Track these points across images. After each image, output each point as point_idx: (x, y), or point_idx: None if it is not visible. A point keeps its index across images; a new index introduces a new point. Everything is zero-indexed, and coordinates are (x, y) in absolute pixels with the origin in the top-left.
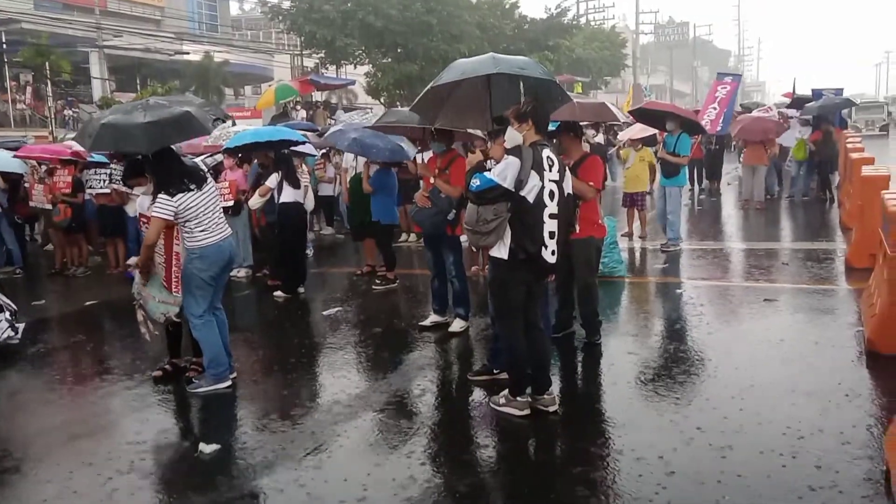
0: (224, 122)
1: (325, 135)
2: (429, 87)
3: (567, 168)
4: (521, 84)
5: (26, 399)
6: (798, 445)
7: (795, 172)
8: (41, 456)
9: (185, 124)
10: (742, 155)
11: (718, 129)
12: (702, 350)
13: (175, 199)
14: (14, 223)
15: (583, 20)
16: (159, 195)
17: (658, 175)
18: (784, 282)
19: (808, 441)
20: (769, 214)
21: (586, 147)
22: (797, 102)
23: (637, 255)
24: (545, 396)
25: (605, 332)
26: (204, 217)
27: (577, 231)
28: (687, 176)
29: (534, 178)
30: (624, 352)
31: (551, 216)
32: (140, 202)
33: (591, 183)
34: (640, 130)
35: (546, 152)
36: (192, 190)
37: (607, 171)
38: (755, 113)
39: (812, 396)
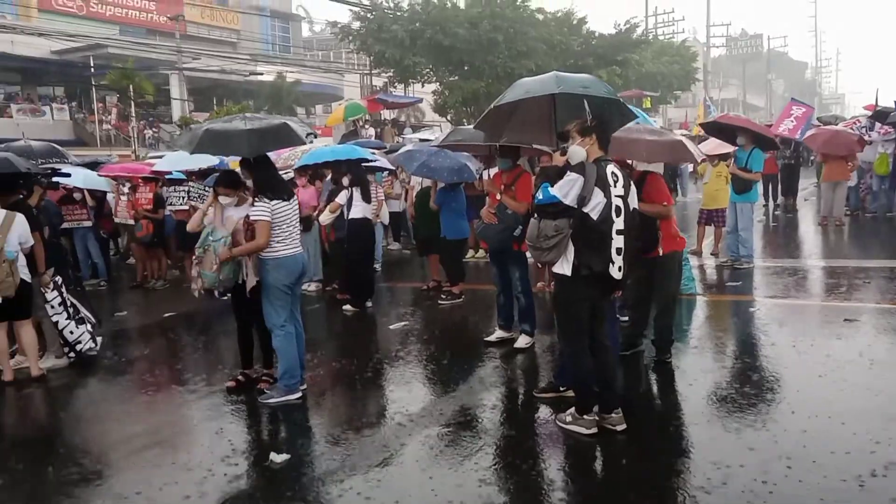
0: (316, 137)
1: (394, 155)
2: (492, 106)
3: (631, 183)
4: (586, 102)
5: (106, 407)
6: (881, 471)
7: (877, 187)
8: (119, 462)
9: (285, 134)
10: (822, 171)
11: (797, 136)
12: (777, 370)
13: (272, 203)
14: (99, 237)
15: (652, 35)
16: (257, 200)
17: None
18: (866, 301)
19: (892, 466)
20: (850, 231)
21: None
22: (880, 115)
23: (708, 272)
24: (613, 415)
25: (675, 350)
26: (287, 228)
27: (661, 252)
28: (760, 192)
29: (598, 195)
30: (695, 371)
31: (618, 232)
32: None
33: (665, 203)
34: (718, 146)
35: (610, 168)
36: (285, 200)
37: (678, 185)
38: (839, 126)
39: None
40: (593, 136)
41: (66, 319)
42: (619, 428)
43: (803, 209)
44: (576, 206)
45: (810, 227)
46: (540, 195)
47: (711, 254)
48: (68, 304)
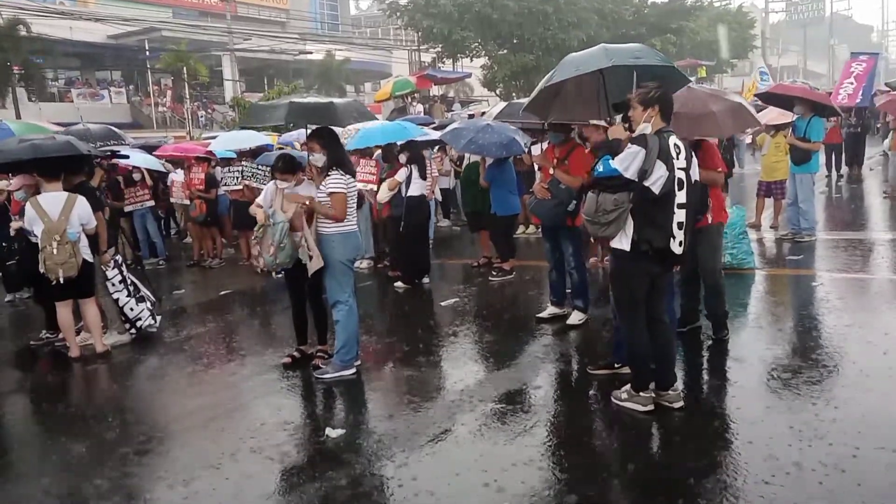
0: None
1: (443, 132)
2: (541, 86)
3: (692, 154)
4: (635, 74)
5: (166, 382)
6: None
7: None
8: (180, 436)
9: (360, 111)
10: (891, 138)
11: (858, 100)
12: (839, 347)
13: (346, 177)
14: (157, 217)
15: (707, 1)
16: (333, 171)
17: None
18: None
19: None
20: None
21: None
22: None
23: (768, 245)
24: (669, 392)
25: (733, 326)
26: (352, 204)
27: (710, 220)
28: (820, 162)
29: (660, 168)
30: (753, 348)
31: (679, 206)
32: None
33: (720, 169)
34: (778, 116)
35: (672, 139)
36: (352, 177)
37: (734, 156)
38: None
39: None
40: (656, 107)
41: (127, 297)
42: (676, 405)
43: (868, 179)
44: (636, 180)
45: (876, 198)
46: (600, 167)
47: (771, 227)
48: (128, 282)
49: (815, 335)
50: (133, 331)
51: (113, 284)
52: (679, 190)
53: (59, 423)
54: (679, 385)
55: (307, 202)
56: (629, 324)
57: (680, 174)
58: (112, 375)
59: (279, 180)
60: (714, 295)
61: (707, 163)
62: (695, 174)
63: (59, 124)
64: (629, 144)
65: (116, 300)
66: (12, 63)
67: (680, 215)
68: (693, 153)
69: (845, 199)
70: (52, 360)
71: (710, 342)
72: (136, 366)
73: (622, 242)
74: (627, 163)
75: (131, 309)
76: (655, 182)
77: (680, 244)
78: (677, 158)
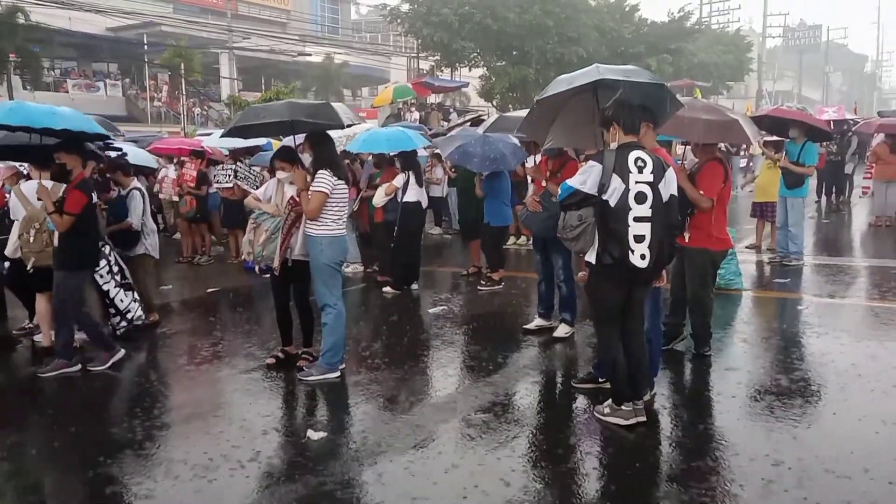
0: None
1: (438, 139)
2: (535, 102)
3: (667, 169)
4: (621, 90)
5: (147, 379)
6: None
7: None
8: (159, 433)
9: (353, 115)
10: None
11: (846, 115)
12: (821, 370)
13: (333, 179)
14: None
15: (706, 23)
16: (320, 172)
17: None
18: None
19: None
20: None
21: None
22: None
23: (757, 267)
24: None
25: (717, 345)
26: (343, 208)
27: (687, 240)
28: (811, 187)
29: (615, 182)
30: (736, 367)
31: (637, 219)
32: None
33: (702, 192)
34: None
35: (636, 154)
36: (344, 181)
37: (732, 179)
38: None
39: None
40: (615, 124)
41: (115, 287)
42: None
43: (859, 206)
44: (596, 194)
45: (863, 225)
46: (559, 191)
47: (767, 248)
48: (115, 270)
49: (799, 357)
50: (123, 324)
51: (101, 276)
52: (639, 203)
53: (24, 418)
54: (647, 396)
55: (301, 190)
56: (602, 336)
57: (641, 188)
58: (89, 370)
59: (278, 169)
60: (697, 315)
61: (700, 182)
62: (668, 190)
63: None
64: (588, 161)
65: (107, 292)
66: (9, 51)
67: (637, 228)
68: (666, 168)
69: (833, 225)
70: (27, 351)
71: (692, 359)
72: (117, 361)
73: (591, 256)
74: (584, 178)
75: (121, 300)
76: (611, 195)
77: (642, 257)
78: (640, 172)
